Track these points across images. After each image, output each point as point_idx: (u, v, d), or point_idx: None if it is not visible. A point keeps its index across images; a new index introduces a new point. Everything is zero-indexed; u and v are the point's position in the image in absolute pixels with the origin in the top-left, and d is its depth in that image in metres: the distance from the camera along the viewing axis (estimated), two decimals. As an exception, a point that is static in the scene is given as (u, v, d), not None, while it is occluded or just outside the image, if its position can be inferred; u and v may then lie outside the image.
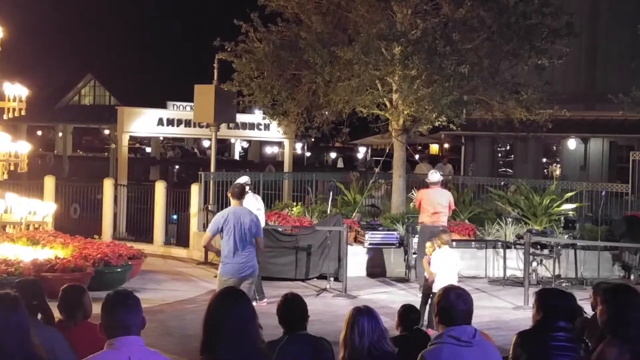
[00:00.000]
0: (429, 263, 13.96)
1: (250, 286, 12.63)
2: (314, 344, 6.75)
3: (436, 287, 13.53)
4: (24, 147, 17.09)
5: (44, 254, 16.20)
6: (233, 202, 12.72)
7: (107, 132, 71.17)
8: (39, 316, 7.07)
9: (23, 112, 16.97)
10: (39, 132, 76.36)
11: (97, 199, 24.28)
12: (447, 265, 13.60)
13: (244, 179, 16.05)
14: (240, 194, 12.80)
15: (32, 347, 5.09)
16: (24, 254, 15.80)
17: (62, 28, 70.40)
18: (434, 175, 17.47)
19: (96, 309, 7.01)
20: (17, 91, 16.76)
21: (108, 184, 23.66)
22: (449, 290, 6.02)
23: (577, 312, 7.32)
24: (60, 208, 20.41)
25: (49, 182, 23.34)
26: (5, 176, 16.93)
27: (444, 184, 19.60)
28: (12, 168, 16.95)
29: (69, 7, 70.03)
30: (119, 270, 16.49)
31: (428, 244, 14.42)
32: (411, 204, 20.27)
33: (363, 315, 6.28)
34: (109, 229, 23.04)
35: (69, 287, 7.52)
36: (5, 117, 16.87)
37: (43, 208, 16.85)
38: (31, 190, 21.86)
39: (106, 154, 65.08)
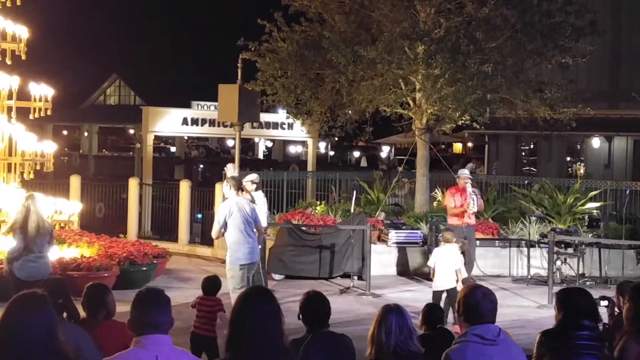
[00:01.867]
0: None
1: (258, 273, 13.55)
2: (337, 342, 6.77)
3: (435, 286, 13.70)
4: (49, 147, 17.19)
5: (70, 252, 16.32)
6: (233, 193, 13.34)
7: (132, 131, 71.43)
8: (64, 314, 7.15)
9: (49, 112, 17.07)
10: (65, 132, 76.82)
11: (122, 198, 24.42)
12: (445, 263, 13.80)
13: (253, 177, 16.22)
14: (239, 186, 13.62)
15: (59, 344, 5.13)
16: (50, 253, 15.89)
17: (88, 29, 70.80)
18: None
19: (121, 307, 7.11)
20: (42, 91, 16.86)
21: (133, 183, 23.77)
22: (475, 289, 6.02)
23: (598, 310, 7.32)
24: (85, 207, 20.53)
25: (75, 181, 23.46)
26: (32, 176, 17.04)
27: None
28: (38, 168, 17.07)
29: (94, 8, 70.42)
30: (144, 269, 16.59)
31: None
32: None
33: (391, 314, 6.29)
34: (134, 228, 23.14)
35: (93, 285, 7.61)
36: (31, 117, 16.97)
37: (69, 207, 16.94)
38: (57, 190, 21.99)
39: (131, 153, 65.35)
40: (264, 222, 15.85)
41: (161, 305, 5.15)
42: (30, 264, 11.88)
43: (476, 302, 5.84)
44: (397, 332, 6.25)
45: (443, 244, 14.15)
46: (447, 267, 13.77)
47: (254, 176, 16.35)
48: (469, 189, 16.90)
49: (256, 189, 16.10)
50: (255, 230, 13.36)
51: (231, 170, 13.91)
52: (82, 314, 7.43)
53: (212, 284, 10.93)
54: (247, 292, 5.22)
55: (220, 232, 13.26)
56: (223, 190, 13.98)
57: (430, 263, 14.08)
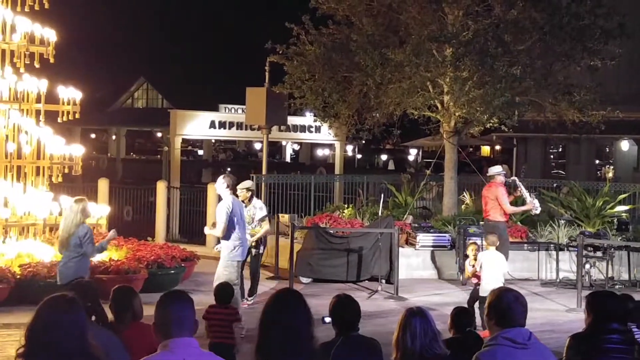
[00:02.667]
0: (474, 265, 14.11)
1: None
2: (367, 345, 6.76)
3: (484, 290, 13.53)
4: (78, 150, 17.27)
5: (98, 256, 16.36)
6: (229, 192, 13.68)
7: (159, 134, 71.84)
8: (93, 318, 7.16)
9: (77, 116, 17.15)
10: (93, 135, 77.27)
11: (150, 202, 24.50)
12: (493, 267, 13.64)
13: (248, 184, 16.16)
14: (235, 185, 14.23)
15: (90, 348, 5.12)
16: (79, 256, 15.95)
17: (115, 32, 71.15)
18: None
19: (149, 310, 7.11)
20: (71, 94, 16.95)
21: (161, 187, 23.84)
22: (505, 292, 5.96)
23: (629, 313, 7.26)
24: (113, 210, 20.61)
25: (103, 184, 23.56)
26: (60, 179, 17.13)
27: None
28: (66, 171, 17.16)
29: (122, 12, 70.76)
30: (172, 272, 16.61)
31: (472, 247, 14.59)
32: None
33: (415, 317, 6.25)
34: (162, 231, 23.20)
35: (119, 288, 7.63)
36: (59, 120, 17.07)
37: (97, 210, 17.00)
38: (85, 193, 22.04)
39: (159, 156, 65.63)
40: (266, 226, 15.93)
41: (184, 302, 5.15)
42: (59, 268, 12.01)
43: (507, 305, 5.78)
44: (422, 335, 6.21)
45: (487, 247, 14.01)
46: (495, 271, 13.65)
47: (248, 183, 16.22)
48: (523, 188, 17.34)
49: (251, 197, 15.95)
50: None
51: (222, 185, 14.03)
52: (110, 316, 7.44)
53: (226, 293, 10.74)
54: (277, 295, 5.20)
55: (225, 230, 13.51)
56: (217, 188, 14.02)
57: (476, 267, 13.92)
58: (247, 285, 15.87)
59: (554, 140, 36.98)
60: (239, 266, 13.72)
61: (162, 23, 75.33)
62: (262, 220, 15.79)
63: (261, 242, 15.96)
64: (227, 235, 13.49)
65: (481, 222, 18.34)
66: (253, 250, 15.69)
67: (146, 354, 5.13)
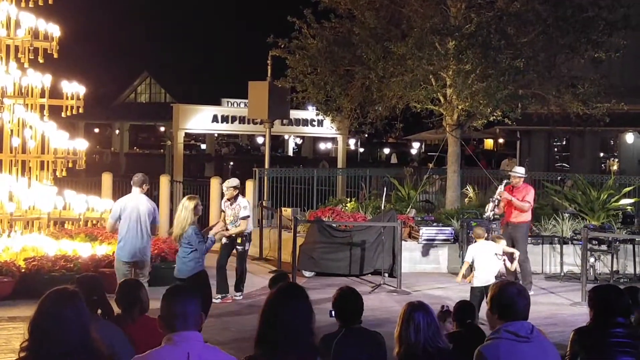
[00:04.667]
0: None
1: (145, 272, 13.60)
2: (371, 338, 6.77)
3: (476, 282, 13.50)
4: (81, 145, 17.29)
5: (102, 249, 16.40)
6: (137, 190, 13.56)
7: (162, 129, 71.83)
8: (99, 311, 7.16)
9: (81, 110, 17.18)
10: (96, 130, 77.31)
11: (154, 196, 24.47)
12: (484, 258, 13.58)
13: (234, 182, 16.03)
14: (142, 183, 13.68)
15: (92, 341, 5.12)
16: (83, 250, 16.00)
17: (119, 27, 71.19)
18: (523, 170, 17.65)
19: (153, 304, 7.12)
20: (74, 89, 16.98)
21: (164, 181, 23.84)
22: (509, 285, 5.97)
23: (632, 307, 7.24)
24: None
25: (107, 179, 23.58)
26: (64, 173, 17.15)
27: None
28: (70, 165, 17.18)
29: (125, 7, 70.77)
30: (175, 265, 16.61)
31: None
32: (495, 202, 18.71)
33: (418, 311, 6.26)
34: (165, 225, 23.17)
35: (126, 282, 7.63)
36: (63, 115, 17.09)
37: (101, 204, 17.01)
38: (89, 187, 22.12)
39: (162, 151, 65.70)
40: (243, 227, 15.64)
41: (189, 297, 5.18)
42: (177, 263, 12.33)
43: (511, 299, 5.78)
44: (425, 329, 6.23)
45: (475, 240, 13.98)
46: (487, 263, 13.61)
47: (234, 182, 16.08)
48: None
49: (237, 195, 15.77)
50: (149, 230, 13.57)
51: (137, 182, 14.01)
52: (116, 310, 7.44)
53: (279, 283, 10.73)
54: (280, 288, 5.20)
55: (114, 226, 13.51)
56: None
57: (467, 258, 13.83)
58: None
59: (557, 133, 36.89)
60: (126, 265, 13.38)
61: (165, 18, 75.31)
62: (242, 219, 15.64)
63: (246, 238, 15.80)
64: (119, 233, 13.46)
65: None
66: (238, 248, 15.70)
67: (153, 347, 5.14)
